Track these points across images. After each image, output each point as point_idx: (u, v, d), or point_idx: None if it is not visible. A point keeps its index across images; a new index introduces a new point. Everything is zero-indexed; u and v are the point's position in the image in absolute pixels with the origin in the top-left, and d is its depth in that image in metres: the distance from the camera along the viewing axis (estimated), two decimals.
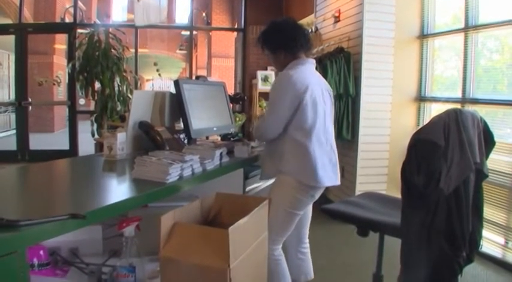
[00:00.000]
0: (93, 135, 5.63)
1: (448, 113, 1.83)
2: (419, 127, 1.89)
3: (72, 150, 6.38)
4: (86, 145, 6.01)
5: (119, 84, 5.67)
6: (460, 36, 4.05)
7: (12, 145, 6.60)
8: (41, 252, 1.82)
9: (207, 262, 1.47)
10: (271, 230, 2.04)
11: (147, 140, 2.22)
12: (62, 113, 12.92)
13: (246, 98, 4.12)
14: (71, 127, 6.73)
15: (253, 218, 1.61)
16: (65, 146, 6.39)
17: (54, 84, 10.74)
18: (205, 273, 1.49)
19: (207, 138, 2.48)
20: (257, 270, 1.75)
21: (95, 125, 5.62)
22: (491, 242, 3.63)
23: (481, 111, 1.96)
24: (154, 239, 1.58)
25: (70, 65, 6.07)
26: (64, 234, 1.70)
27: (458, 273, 1.89)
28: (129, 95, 5.59)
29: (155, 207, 1.82)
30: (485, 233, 3.54)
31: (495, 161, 3.49)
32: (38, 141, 6.78)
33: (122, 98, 5.59)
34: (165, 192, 1.71)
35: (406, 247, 1.87)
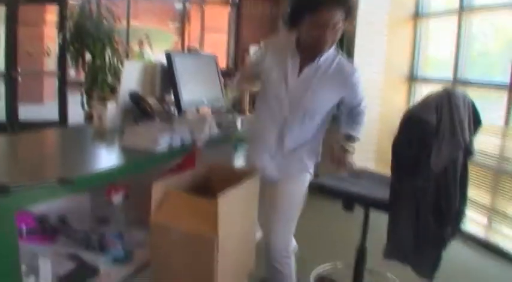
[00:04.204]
0: (83, 106, 5.58)
1: (440, 92, 1.85)
2: (412, 105, 1.91)
3: (62, 121, 6.32)
4: (76, 117, 5.97)
5: (110, 56, 5.61)
6: (454, 18, 4.05)
7: (1, 116, 6.53)
8: (30, 218, 1.84)
9: (196, 230, 1.50)
10: (291, 228, 2.05)
11: (138, 110, 2.21)
12: (51, 84, 12.75)
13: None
14: (60, 98, 6.66)
15: (243, 189, 1.63)
16: (55, 117, 6.34)
17: (44, 55, 10.58)
18: (194, 241, 1.51)
19: (198, 110, 2.48)
20: (246, 241, 1.77)
21: (85, 97, 5.57)
22: (475, 222, 3.70)
23: (472, 93, 1.97)
24: (142, 208, 1.60)
25: (61, 36, 5.98)
26: (53, 202, 1.73)
27: (443, 248, 1.94)
28: (120, 67, 5.54)
29: (144, 177, 1.82)
30: (470, 213, 3.61)
31: (483, 142, 3.52)
32: (27, 113, 6.71)
33: (112, 70, 5.54)
34: (154, 161, 1.72)
35: (393, 221, 1.91)
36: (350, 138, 2.07)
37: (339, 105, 2.08)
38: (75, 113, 6.07)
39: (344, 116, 2.10)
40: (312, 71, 1.95)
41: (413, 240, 1.90)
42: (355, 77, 2.00)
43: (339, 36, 1.90)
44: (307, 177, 2.10)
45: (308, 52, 1.93)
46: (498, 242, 3.48)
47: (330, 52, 1.97)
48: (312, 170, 2.11)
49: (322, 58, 1.94)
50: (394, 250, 1.92)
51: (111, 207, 1.79)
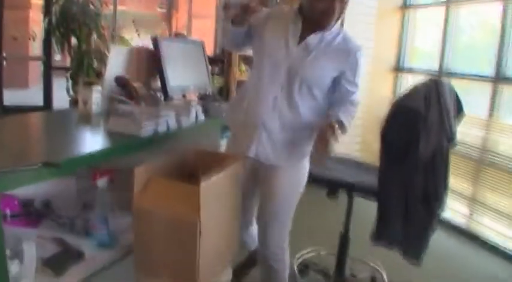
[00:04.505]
0: (68, 91, 5.53)
1: (428, 82, 1.87)
2: (401, 94, 1.93)
3: (47, 106, 6.25)
4: (61, 102, 5.90)
5: (96, 41, 5.55)
6: (442, 9, 4.07)
7: None
8: (14, 203, 1.83)
9: (179, 215, 1.51)
10: (288, 221, 2.04)
11: (123, 95, 2.20)
12: (36, 69, 12.59)
13: (225, 60, 4.09)
14: (45, 83, 6.58)
15: (226, 174, 1.64)
16: (40, 102, 6.27)
17: (29, 39, 10.43)
18: (177, 226, 1.52)
19: (184, 96, 2.47)
20: (229, 226, 1.78)
21: (70, 82, 5.51)
22: (457, 212, 3.76)
23: (457, 85, 2.00)
24: (127, 194, 1.60)
25: (46, 20, 5.89)
26: (37, 187, 1.72)
27: (430, 233, 1.99)
28: (106, 53, 5.48)
29: (130, 162, 1.82)
30: (452, 203, 3.67)
31: (466, 134, 3.58)
32: (12, 97, 6.62)
33: (98, 55, 5.49)
34: (139, 145, 1.72)
35: (382, 207, 1.94)
36: (341, 125, 1.86)
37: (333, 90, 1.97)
38: (61, 98, 6.00)
39: (337, 102, 1.96)
40: (315, 41, 1.86)
41: (402, 225, 1.94)
42: (359, 54, 1.92)
43: (345, 10, 1.84)
44: (307, 165, 2.04)
45: (311, 24, 1.85)
46: (479, 232, 3.56)
47: (335, 27, 1.89)
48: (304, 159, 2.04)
49: (327, 32, 1.86)
50: (383, 235, 1.95)
51: (96, 192, 1.78)
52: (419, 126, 1.74)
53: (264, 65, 1.92)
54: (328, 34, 1.87)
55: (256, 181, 2.06)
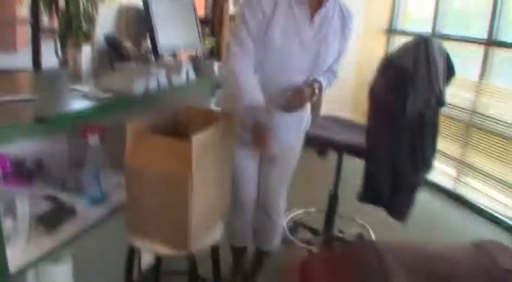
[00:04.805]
0: (57, 53, 5.44)
1: (417, 40, 1.86)
2: (390, 52, 1.93)
3: (37, 69, 6.18)
4: (50, 64, 5.82)
5: (84, 2, 5.42)
6: None
7: None
8: (6, 162, 1.83)
9: (170, 170, 1.51)
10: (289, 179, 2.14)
11: (114, 54, 2.18)
12: (24, 33, 12.34)
13: (216, 20, 4.03)
14: (34, 46, 6.47)
15: (218, 129, 1.64)
16: (29, 65, 6.19)
17: (16, 2, 10.18)
18: (168, 181, 1.53)
19: (175, 55, 2.45)
20: (220, 182, 1.80)
21: (59, 44, 5.42)
22: (444, 174, 3.82)
23: (449, 47, 1.99)
24: (119, 151, 1.60)
25: None
26: (29, 146, 1.72)
27: (416, 192, 2.04)
28: (95, 14, 5.37)
29: (121, 119, 1.81)
30: (440, 165, 3.73)
31: (457, 96, 3.60)
32: (0, 61, 6.53)
33: (87, 17, 5.38)
34: (129, 102, 1.72)
35: (370, 166, 1.97)
36: (319, 90, 1.86)
37: None
38: (49, 60, 5.91)
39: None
40: (322, 19, 1.78)
41: (389, 184, 1.97)
42: (353, 22, 1.89)
43: None
44: (308, 124, 2.11)
45: (313, 3, 1.76)
46: (465, 194, 3.63)
47: None
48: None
49: (328, 1, 1.76)
50: (370, 194, 1.98)
51: (87, 150, 1.79)
52: (407, 84, 1.75)
53: (269, 60, 1.81)
54: (329, 4, 1.79)
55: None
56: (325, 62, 1.85)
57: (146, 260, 2.21)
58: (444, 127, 3.36)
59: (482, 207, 3.43)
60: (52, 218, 1.61)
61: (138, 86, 1.74)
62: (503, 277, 1.06)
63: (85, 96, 1.69)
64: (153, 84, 1.83)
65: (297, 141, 2.08)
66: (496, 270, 1.08)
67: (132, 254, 1.80)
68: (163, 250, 1.64)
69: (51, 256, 1.53)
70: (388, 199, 2.03)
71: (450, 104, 3.57)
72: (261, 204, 2.17)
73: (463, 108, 3.65)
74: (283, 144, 1.94)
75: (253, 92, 1.73)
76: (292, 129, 2.00)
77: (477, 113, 3.56)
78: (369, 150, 1.95)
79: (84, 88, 1.78)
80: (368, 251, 1.11)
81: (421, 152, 2.01)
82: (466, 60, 3.81)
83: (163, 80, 1.90)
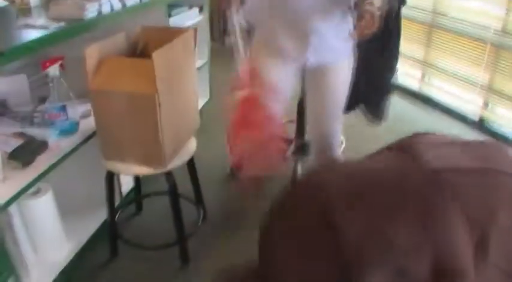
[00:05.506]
0: None
1: None
2: None
3: None
4: None
5: None
6: None
7: None
8: None
9: (136, 90, 1.52)
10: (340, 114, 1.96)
11: None
12: None
13: None
14: None
15: (178, 44, 1.63)
16: None
17: None
18: (135, 101, 1.54)
19: None
20: (187, 98, 1.82)
21: None
22: (410, 76, 3.90)
23: None
24: (82, 80, 1.59)
25: None
26: None
27: (391, 93, 2.12)
28: None
29: (78, 48, 1.79)
30: (405, 67, 3.79)
31: None
32: None
33: None
34: (83, 28, 1.67)
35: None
36: None
37: None
38: None
39: None
40: None
41: (365, 87, 2.04)
42: None
43: None
44: (346, 64, 1.85)
45: None
46: (430, 94, 3.73)
47: None
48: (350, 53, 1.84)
49: None
50: (350, 100, 1.95)
51: (50, 84, 1.76)
52: None
53: None
54: None
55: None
56: None
57: (126, 186, 2.26)
58: (407, 29, 3.36)
59: (447, 105, 3.55)
60: (24, 153, 1.61)
61: (90, 11, 1.69)
62: (430, 179, 0.90)
63: (37, 28, 1.63)
64: (105, 8, 1.77)
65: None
66: (420, 174, 0.92)
67: (111, 179, 1.84)
68: (140, 170, 1.68)
69: (30, 190, 1.55)
70: (365, 101, 2.09)
71: (413, 7, 3.58)
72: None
73: (426, 10, 3.63)
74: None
75: None
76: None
77: (438, 12, 3.56)
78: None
79: (36, 21, 1.72)
80: (309, 190, 1.00)
81: (396, 51, 2.05)
82: None
83: (115, 2, 1.84)
